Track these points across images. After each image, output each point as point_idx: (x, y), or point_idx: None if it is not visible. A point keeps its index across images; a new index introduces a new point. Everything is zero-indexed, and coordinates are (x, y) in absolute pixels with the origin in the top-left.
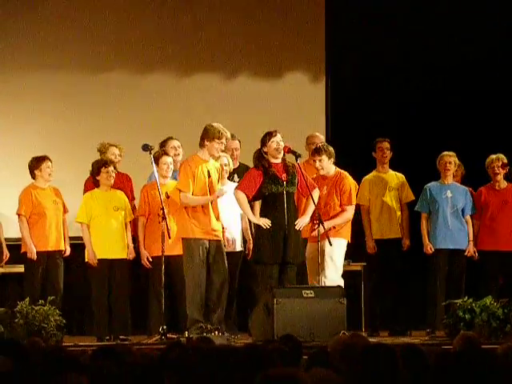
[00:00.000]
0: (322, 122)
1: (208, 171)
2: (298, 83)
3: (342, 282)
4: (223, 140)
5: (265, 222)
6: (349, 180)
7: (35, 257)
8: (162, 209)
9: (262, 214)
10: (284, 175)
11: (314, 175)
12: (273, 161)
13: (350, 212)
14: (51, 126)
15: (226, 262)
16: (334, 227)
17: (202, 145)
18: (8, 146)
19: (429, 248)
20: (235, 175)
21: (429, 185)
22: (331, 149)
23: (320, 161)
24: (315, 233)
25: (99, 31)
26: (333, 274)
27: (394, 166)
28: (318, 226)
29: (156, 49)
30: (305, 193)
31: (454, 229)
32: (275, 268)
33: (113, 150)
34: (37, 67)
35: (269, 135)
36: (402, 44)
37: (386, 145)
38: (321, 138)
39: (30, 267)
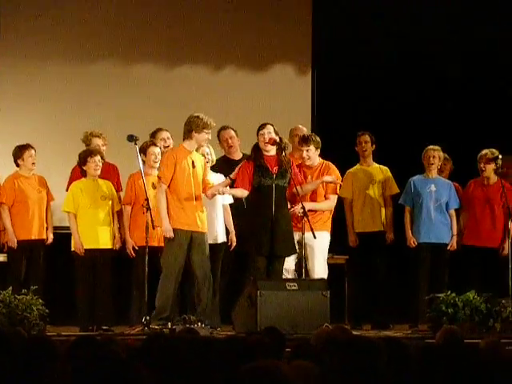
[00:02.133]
0: (307, 115)
1: (193, 161)
2: (284, 75)
3: (326, 275)
4: (210, 130)
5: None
6: (334, 170)
7: (15, 245)
8: (147, 199)
9: (250, 206)
10: (275, 168)
11: (299, 162)
12: (265, 153)
13: (333, 201)
14: (37, 114)
15: (207, 254)
16: (313, 211)
17: (188, 136)
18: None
19: (412, 242)
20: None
21: (413, 178)
22: (319, 139)
23: (307, 150)
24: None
25: (87, 22)
26: (321, 268)
27: (379, 159)
28: (303, 216)
29: (144, 39)
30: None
31: (437, 223)
32: (261, 260)
33: (96, 141)
34: (23, 57)
35: (259, 128)
36: (388, 37)
37: (366, 138)
38: (304, 130)
39: (12, 256)
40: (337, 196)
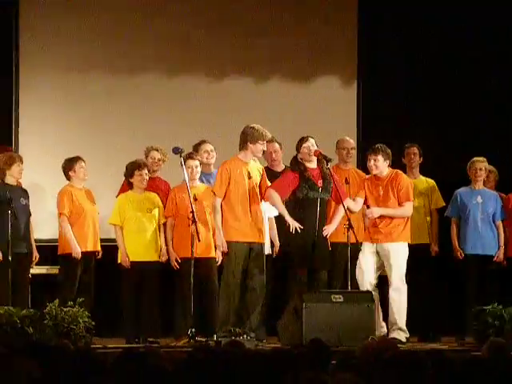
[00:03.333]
0: (353, 126)
1: (249, 173)
2: (329, 87)
3: (405, 289)
4: (266, 141)
5: (297, 225)
6: (404, 177)
7: (79, 256)
8: (192, 211)
9: (294, 217)
10: (320, 181)
11: (366, 176)
12: (308, 165)
13: (408, 208)
14: (83, 128)
15: (264, 266)
16: (387, 219)
17: (243, 147)
18: (41, 148)
19: (459, 254)
20: None
21: (459, 190)
22: (389, 151)
23: (375, 160)
24: (349, 238)
25: (132, 33)
26: (398, 281)
27: (424, 171)
28: (348, 231)
29: (190, 51)
30: (337, 200)
31: (484, 234)
32: (305, 272)
33: (153, 154)
34: (70, 69)
35: (300, 141)
36: (436, 48)
37: (415, 150)
38: (351, 142)
39: (68, 268)
40: (411, 202)
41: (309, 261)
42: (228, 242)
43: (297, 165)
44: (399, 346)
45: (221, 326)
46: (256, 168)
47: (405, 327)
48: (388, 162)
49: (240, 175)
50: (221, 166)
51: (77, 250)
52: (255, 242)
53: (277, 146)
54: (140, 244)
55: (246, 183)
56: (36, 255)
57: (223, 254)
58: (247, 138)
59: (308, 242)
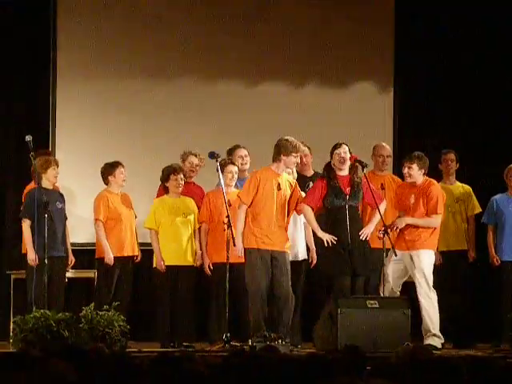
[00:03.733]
0: (389, 133)
1: (279, 184)
2: (365, 94)
3: (434, 295)
4: (299, 153)
5: (329, 239)
6: (436, 188)
7: (112, 262)
8: (228, 216)
9: (324, 227)
10: (348, 189)
11: (401, 182)
12: (339, 173)
13: (435, 220)
14: (120, 132)
15: (289, 273)
16: (414, 228)
17: (276, 159)
18: (77, 153)
19: (495, 260)
20: (310, 183)
21: (495, 197)
22: (425, 159)
23: (409, 168)
24: (385, 243)
25: (170, 38)
26: (425, 288)
27: (461, 178)
28: (384, 236)
29: (227, 57)
30: (372, 204)
31: None
32: (346, 279)
33: (190, 159)
34: (107, 75)
35: (334, 147)
36: (472, 55)
37: (452, 156)
38: (388, 148)
39: (105, 273)
40: (439, 215)
41: (348, 267)
42: (249, 249)
43: (327, 171)
44: (434, 352)
45: (253, 332)
46: (287, 180)
47: (439, 333)
48: (423, 170)
49: (269, 185)
50: (251, 174)
51: (109, 256)
52: (278, 251)
53: (307, 150)
54: (175, 248)
55: (275, 194)
56: (72, 259)
57: (245, 260)
58: (281, 150)
59: (343, 250)
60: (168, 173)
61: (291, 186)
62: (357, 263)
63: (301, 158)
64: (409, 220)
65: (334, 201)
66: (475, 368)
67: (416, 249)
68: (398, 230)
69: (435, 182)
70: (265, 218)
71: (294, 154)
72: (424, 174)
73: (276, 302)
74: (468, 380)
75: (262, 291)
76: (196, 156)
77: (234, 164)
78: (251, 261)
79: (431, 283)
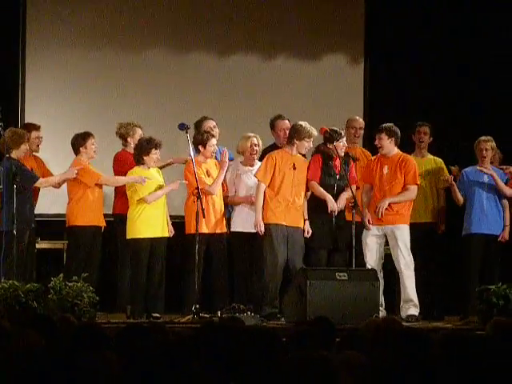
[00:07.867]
0: (359, 105)
1: (294, 164)
2: (336, 66)
3: (413, 265)
4: (312, 138)
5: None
6: (412, 160)
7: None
8: (197, 188)
9: (314, 202)
10: (338, 169)
11: (373, 158)
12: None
13: (413, 191)
14: (89, 105)
15: (303, 250)
16: (394, 208)
17: (290, 142)
18: (47, 125)
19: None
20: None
21: (466, 169)
22: (395, 129)
23: (380, 139)
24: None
25: (139, 11)
26: (408, 260)
27: (432, 151)
28: (352, 209)
29: (193, 29)
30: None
31: (489, 214)
32: (323, 253)
33: (139, 131)
34: (75, 46)
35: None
36: (444, 26)
37: (425, 129)
38: (360, 121)
39: (76, 241)
40: (417, 186)
41: (329, 242)
42: (267, 225)
43: (323, 150)
44: (410, 323)
45: (268, 303)
46: (301, 160)
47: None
48: (393, 140)
49: (286, 165)
50: (267, 155)
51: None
52: (293, 227)
53: (288, 123)
54: (152, 221)
55: (292, 173)
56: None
57: (262, 236)
58: (294, 134)
59: (328, 226)
60: (150, 146)
61: (305, 165)
62: (339, 238)
63: (284, 131)
64: (390, 199)
65: (325, 179)
66: (445, 340)
67: (397, 223)
68: (376, 204)
69: (409, 157)
70: (282, 195)
71: (306, 139)
72: (396, 145)
73: (286, 276)
74: (438, 352)
75: (280, 265)
76: (140, 127)
77: (214, 137)
78: (268, 236)
79: (411, 254)
